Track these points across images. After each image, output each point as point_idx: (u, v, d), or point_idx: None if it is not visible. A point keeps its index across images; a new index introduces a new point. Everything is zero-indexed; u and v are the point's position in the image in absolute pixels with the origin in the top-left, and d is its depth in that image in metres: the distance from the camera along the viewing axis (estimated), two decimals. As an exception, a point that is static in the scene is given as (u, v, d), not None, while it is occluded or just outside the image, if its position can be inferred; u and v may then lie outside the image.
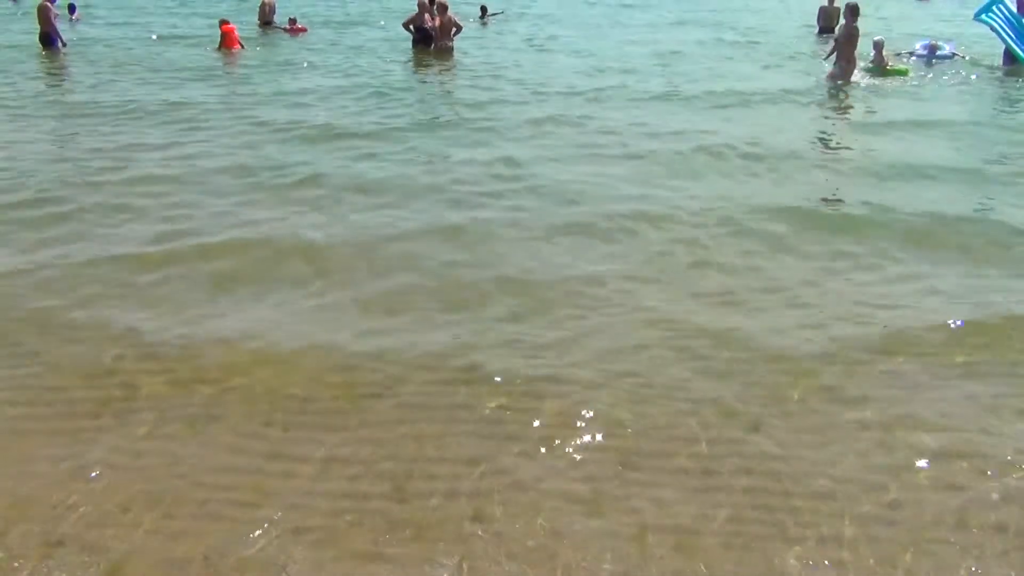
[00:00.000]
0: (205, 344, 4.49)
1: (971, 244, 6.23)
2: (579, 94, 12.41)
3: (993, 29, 14.68)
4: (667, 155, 8.82)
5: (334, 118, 10.36)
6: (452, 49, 16.68)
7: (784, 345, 4.58)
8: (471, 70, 14.74)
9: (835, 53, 13.45)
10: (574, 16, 24.61)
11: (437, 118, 10.76)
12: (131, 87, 12.33)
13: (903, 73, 14.06)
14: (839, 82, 13.29)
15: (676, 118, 10.91)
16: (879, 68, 14.09)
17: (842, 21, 13.71)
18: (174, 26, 19.86)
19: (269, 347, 4.45)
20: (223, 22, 16.84)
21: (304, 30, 19.16)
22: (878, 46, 14.24)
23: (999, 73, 14.78)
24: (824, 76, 13.75)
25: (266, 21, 19.81)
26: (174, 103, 11.07)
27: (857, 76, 13.56)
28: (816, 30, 21.03)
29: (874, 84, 13.50)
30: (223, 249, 5.79)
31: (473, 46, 17.56)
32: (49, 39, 15.75)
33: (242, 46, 16.52)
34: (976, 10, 15.02)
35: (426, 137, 9.52)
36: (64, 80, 13.44)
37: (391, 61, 15.76)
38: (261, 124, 9.96)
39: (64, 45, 15.99)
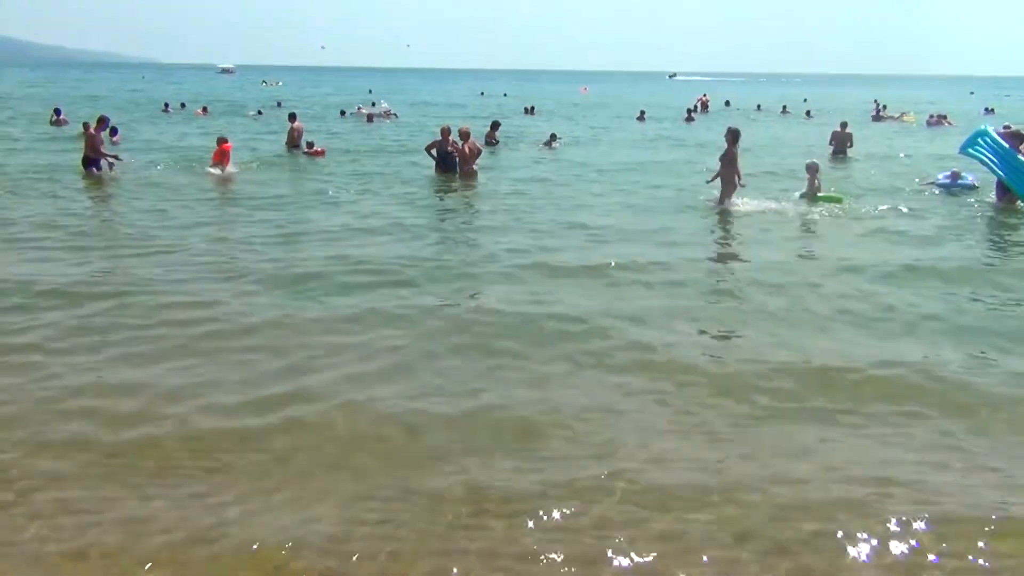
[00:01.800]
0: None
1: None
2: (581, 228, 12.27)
3: (983, 163, 14.18)
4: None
5: (367, 256, 9.95)
6: (476, 173, 17.19)
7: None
8: (495, 198, 15.02)
9: (719, 177, 13.61)
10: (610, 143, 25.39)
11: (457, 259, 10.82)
12: (175, 214, 12.50)
13: (837, 200, 13.81)
14: (721, 203, 13.50)
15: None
16: (811, 194, 13.97)
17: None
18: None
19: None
20: (222, 140, 17.70)
21: (322, 153, 20.38)
22: (811, 170, 14.14)
23: (991, 209, 14.03)
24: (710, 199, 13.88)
25: (294, 144, 20.96)
26: (219, 238, 11.03)
27: (764, 203, 13.64)
28: (830, 151, 22.48)
29: (808, 212, 13.29)
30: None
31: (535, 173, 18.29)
32: (92, 163, 16.39)
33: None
34: (961, 144, 14.61)
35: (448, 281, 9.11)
36: (105, 209, 13.81)
37: (415, 187, 16.14)
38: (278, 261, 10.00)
39: (112, 167, 16.62)
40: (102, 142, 16.68)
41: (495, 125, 24.90)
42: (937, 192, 15.72)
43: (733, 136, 13.43)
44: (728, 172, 13.44)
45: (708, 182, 14.09)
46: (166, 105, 39.09)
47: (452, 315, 7.60)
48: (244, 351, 6.58)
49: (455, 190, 15.66)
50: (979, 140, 14.01)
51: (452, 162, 17.16)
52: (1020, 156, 13.69)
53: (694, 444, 5.14)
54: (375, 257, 9.72)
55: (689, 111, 40.71)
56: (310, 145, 20.60)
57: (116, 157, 16.95)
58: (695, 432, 5.31)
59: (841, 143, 22.50)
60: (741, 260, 10.37)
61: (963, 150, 14.33)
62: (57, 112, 30.10)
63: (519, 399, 5.76)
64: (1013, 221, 13.11)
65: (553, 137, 24.68)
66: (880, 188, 16.33)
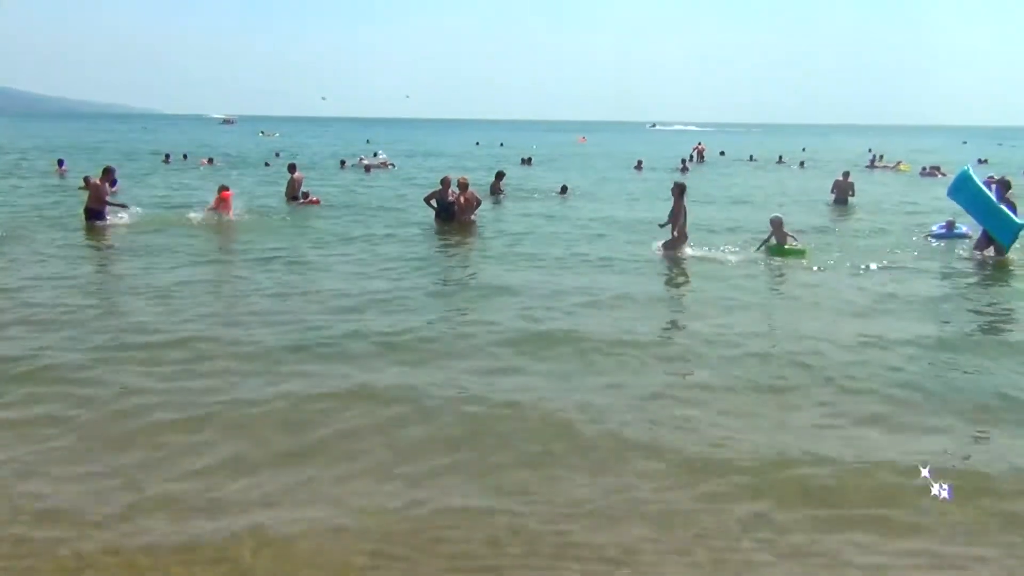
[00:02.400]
0: None
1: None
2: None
3: (967, 211, 14.27)
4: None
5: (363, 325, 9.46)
6: (474, 223, 17.29)
7: None
8: (492, 245, 15.10)
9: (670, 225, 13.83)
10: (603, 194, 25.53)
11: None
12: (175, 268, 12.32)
13: (800, 254, 13.74)
14: (669, 252, 13.68)
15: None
16: (778, 247, 13.81)
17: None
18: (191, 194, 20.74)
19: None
20: (223, 188, 18.00)
21: (317, 202, 20.77)
22: (775, 224, 14.00)
23: (969, 262, 13.84)
24: (657, 249, 13.96)
25: (294, 195, 21.11)
26: (211, 292, 10.96)
27: (719, 253, 13.80)
28: (832, 199, 23.02)
29: (772, 263, 13.25)
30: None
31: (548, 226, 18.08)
32: (95, 215, 16.22)
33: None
34: (948, 188, 14.62)
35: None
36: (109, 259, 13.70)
37: (415, 235, 16.19)
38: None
39: (121, 214, 16.59)
40: (107, 193, 16.64)
41: (500, 175, 24.52)
42: (935, 243, 15.79)
43: (680, 190, 13.78)
44: (676, 222, 13.79)
45: (661, 225, 14.25)
46: (167, 156, 39.30)
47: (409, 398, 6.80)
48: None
49: (453, 243, 15.69)
50: (962, 185, 14.05)
51: (452, 212, 17.29)
52: (1002, 204, 13.69)
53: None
54: (365, 327, 9.13)
55: (684, 161, 41.20)
56: (305, 195, 20.89)
57: (123, 206, 16.95)
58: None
59: (843, 192, 22.80)
60: (694, 327, 9.48)
61: (951, 195, 14.36)
62: (60, 163, 30.51)
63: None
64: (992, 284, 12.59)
65: (564, 189, 24.90)
66: (878, 238, 16.42)
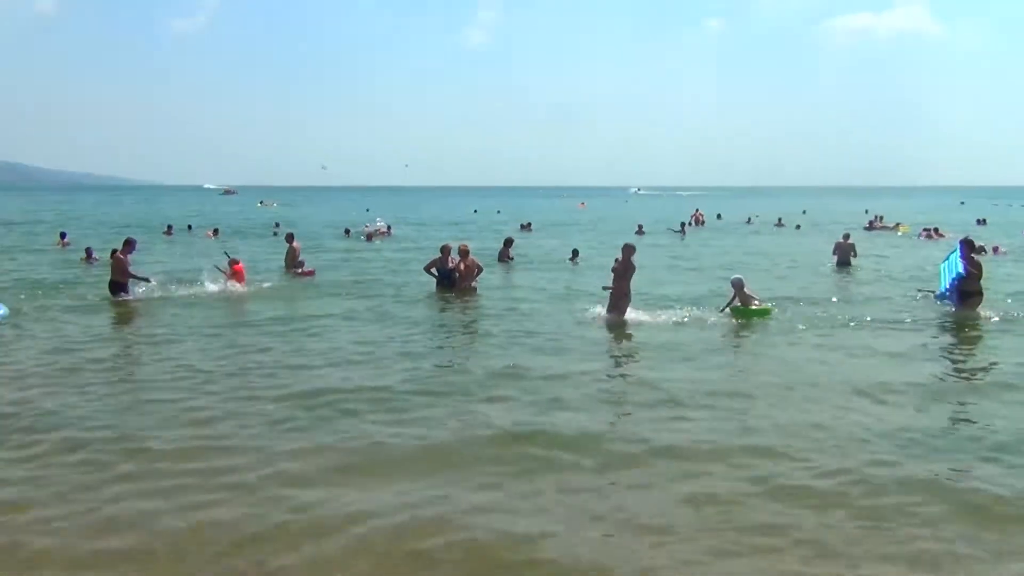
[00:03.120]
0: None
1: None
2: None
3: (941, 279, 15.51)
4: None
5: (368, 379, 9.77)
6: (475, 289, 17.31)
7: None
8: (493, 313, 15.01)
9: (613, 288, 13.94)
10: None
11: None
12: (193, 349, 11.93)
13: (765, 313, 13.81)
14: (611, 314, 13.71)
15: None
16: (743, 308, 13.84)
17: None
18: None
19: None
20: (234, 262, 18.19)
21: (311, 273, 20.75)
22: (736, 286, 14.02)
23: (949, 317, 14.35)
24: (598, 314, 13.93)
25: (293, 265, 21.29)
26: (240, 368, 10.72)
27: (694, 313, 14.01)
28: (834, 261, 23.08)
29: (736, 324, 13.44)
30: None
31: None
32: (119, 288, 16.15)
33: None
34: (941, 289, 15.51)
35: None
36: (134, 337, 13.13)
37: (412, 307, 15.94)
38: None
39: (144, 287, 16.51)
40: (130, 265, 16.48)
41: (508, 242, 24.58)
42: (938, 302, 15.77)
43: (627, 250, 14.01)
44: (621, 286, 13.85)
45: (604, 288, 14.32)
46: (169, 227, 39.55)
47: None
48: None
49: (452, 309, 15.68)
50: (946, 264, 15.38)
51: (453, 280, 17.32)
52: (961, 261, 14.42)
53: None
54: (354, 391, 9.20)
55: (683, 224, 41.57)
56: (301, 264, 20.96)
57: (145, 279, 16.72)
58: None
59: (844, 254, 22.79)
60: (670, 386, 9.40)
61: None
62: (62, 235, 30.67)
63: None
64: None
65: (575, 253, 24.89)
66: (879, 302, 16.37)
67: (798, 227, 43.10)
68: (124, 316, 14.82)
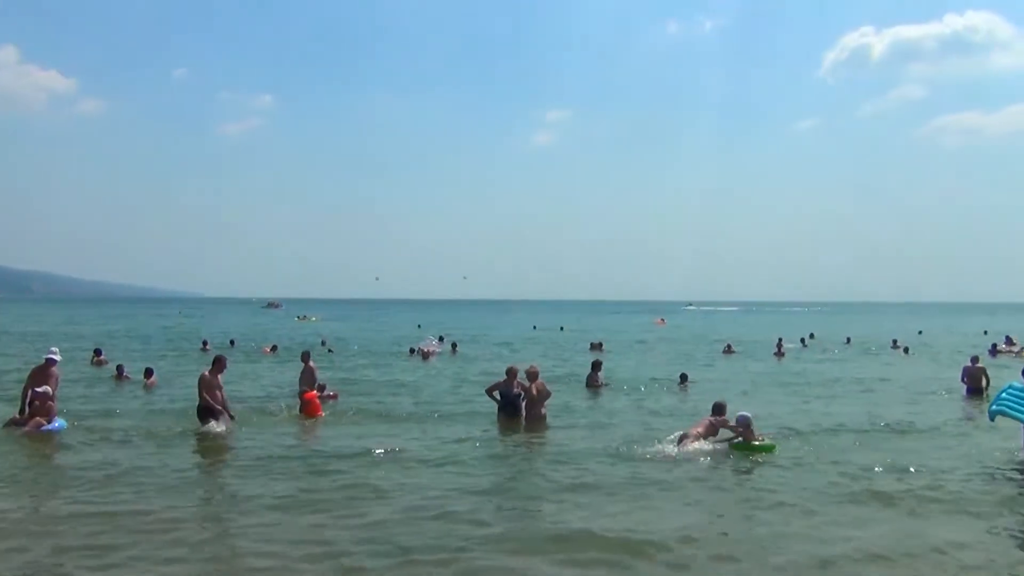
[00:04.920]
0: None
1: None
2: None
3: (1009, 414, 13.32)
4: None
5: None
6: (544, 417, 16.51)
7: None
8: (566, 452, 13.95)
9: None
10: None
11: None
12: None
13: (770, 449, 13.59)
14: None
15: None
16: (744, 443, 13.75)
17: None
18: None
19: None
20: (304, 391, 17.84)
21: (335, 396, 20.18)
22: (743, 423, 13.91)
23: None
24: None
25: (311, 387, 20.27)
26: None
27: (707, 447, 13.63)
28: (964, 390, 21.94)
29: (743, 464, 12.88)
30: None
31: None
32: (209, 412, 15.14)
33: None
34: (990, 409, 13.73)
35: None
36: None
37: (476, 434, 15.27)
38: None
39: (232, 419, 15.49)
40: (220, 387, 15.48)
41: (597, 366, 23.74)
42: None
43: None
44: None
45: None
46: (204, 343, 39.24)
47: None
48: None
49: (520, 442, 14.84)
50: (1004, 394, 13.49)
51: (518, 406, 16.57)
52: None
53: None
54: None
55: (779, 344, 40.01)
56: (321, 388, 19.85)
57: (230, 416, 15.52)
58: None
59: (975, 380, 21.66)
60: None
61: (993, 414, 13.62)
62: (97, 352, 30.61)
63: None
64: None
65: (684, 378, 24.09)
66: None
67: (906, 350, 41.07)
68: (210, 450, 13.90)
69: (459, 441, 14.53)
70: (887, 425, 16.46)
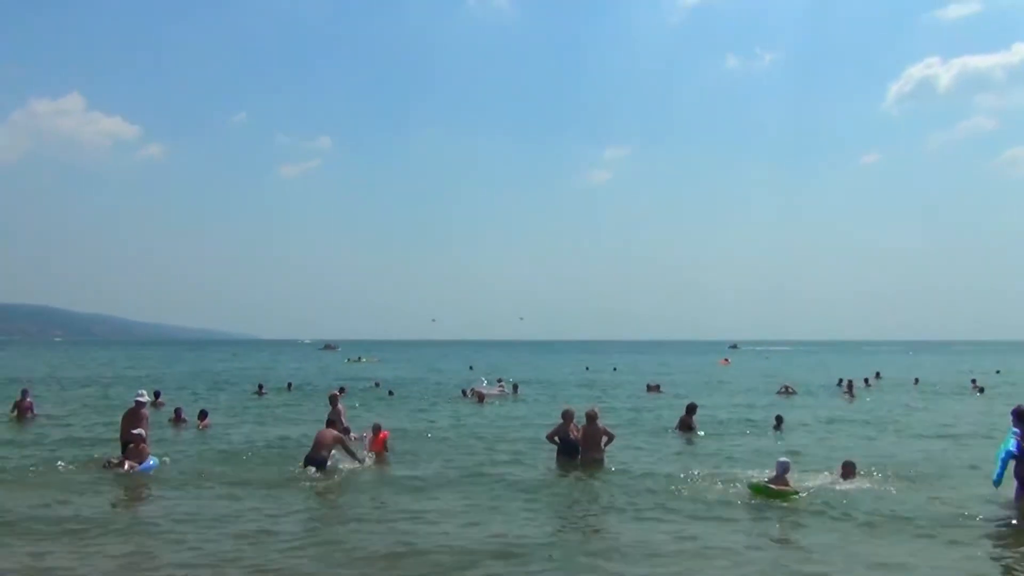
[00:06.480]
0: None
1: None
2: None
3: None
4: None
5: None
6: (602, 461, 16.42)
7: None
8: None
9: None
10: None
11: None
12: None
13: (781, 496, 13.47)
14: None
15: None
16: (764, 486, 13.75)
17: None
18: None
19: None
20: (378, 428, 17.85)
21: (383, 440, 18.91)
22: (782, 468, 14.02)
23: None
24: None
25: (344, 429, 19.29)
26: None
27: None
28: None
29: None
30: None
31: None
32: (313, 462, 15.05)
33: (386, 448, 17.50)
34: (995, 477, 12.33)
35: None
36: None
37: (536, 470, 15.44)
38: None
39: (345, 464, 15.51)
40: (346, 431, 16.30)
41: (691, 409, 23.12)
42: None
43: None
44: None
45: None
46: (260, 387, 38.68)
47: None
48: None
49: (577, 479, 14.88)
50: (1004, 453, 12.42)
51: (577, 450, 16.61)
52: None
53: None
54: None
55: (849, 384, 39.25)
56: (347, 431, 18.73)
57: (359, 459, 15.78)
58: None
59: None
60: None
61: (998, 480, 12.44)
62: (156, 394, 30.60)
63: None
64: None
65: (779, 420, 23.64)
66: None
67: (981, 390, 39.97)
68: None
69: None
70: None
